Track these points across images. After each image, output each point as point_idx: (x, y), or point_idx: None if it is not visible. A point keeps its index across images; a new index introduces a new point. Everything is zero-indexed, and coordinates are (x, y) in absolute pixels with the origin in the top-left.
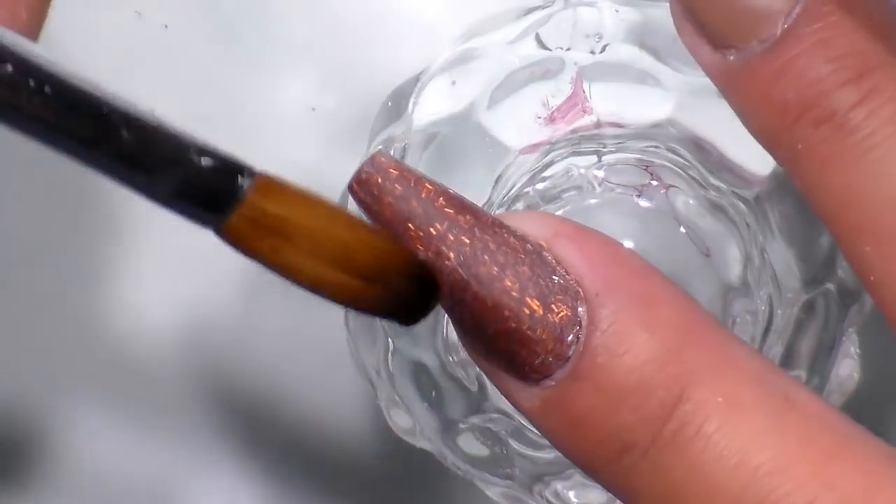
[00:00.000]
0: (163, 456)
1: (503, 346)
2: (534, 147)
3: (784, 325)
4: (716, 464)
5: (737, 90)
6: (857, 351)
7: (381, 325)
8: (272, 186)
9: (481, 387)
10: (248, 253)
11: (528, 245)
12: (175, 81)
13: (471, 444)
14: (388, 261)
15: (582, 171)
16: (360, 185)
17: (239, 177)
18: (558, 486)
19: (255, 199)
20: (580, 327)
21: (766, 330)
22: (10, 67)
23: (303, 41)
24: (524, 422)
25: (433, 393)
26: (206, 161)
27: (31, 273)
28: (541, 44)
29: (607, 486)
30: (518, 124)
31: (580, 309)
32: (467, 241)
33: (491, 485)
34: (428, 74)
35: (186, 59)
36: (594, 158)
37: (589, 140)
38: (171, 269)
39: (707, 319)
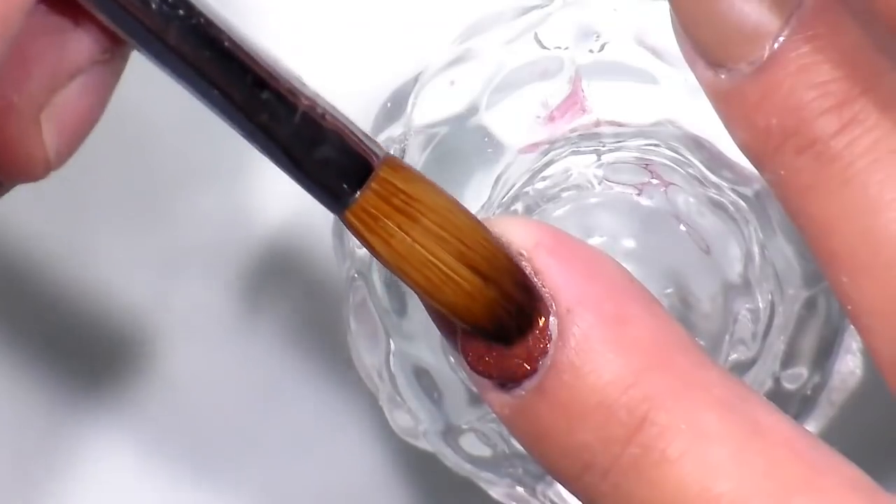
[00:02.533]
0: (161, 455)
1: None
2: (533, 146)
3: (786, 322)
4: (677, 492)
5: (726, 109)
6: (860, 347)
7: (382, 325)
8: (398, 166)
9: None
10: (373, 235)
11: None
12: (175, 81)
13: (473, 445)
14: (502, 258)
15: (581, 170)
16: None
17: (374, 155)
18: (560, 485)
19: (387, 175)
20: (550, 341)
21: (768, 327)
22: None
23: (302, 41)
24: None
25: (435, 393)
26: (348, 135)
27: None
28: (539, 43)
29: (576, 497)
30: (517, 124)
31: (552, 323)
32: None
33: (493, 485)
34: (427, 75)
35: None
36: (594, 157)
37: (588, 139)
38: (171, 269)
39: (680, 341)
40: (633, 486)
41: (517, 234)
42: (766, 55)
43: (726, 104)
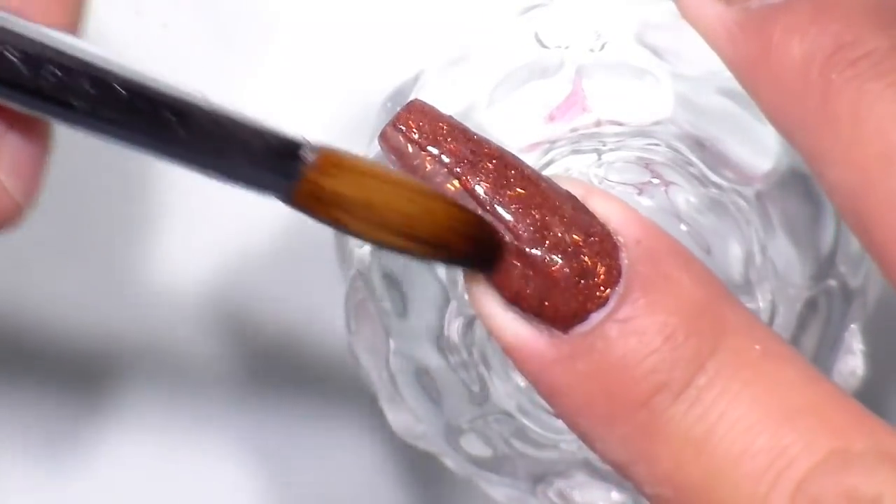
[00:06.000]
0: (161, 454)
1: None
2: (533, 146)
3: (787, 322)
4: (752, 406)
5: (757, 36)
6: (861, 347)
7: (382, 325)
8: (333, 161)
9: (483, 387)
10: (315, 219)
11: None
12: (174, 81)
13: (473, 445)
14: (449, 226)
15: (582, 169)
16: (396, 129)
17: (299, 154)
18: (561, 485)
19: (314, 177)
20: (619, 272)
21: (769, 326)
22: (86, 84)
23: (302, 41)
24: (527, 422)
25: (435, 393)
26: (267, 140)
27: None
28: (540, 42)
29: (623, 442)
30: (518, 123)
31: (622, 254)
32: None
33: (494, 485)
34: (427, 74)
35: (186, 59)
36: (594, 157)
37: (589, 138)
38: (169, 268)
39: (727, 288)
40: (708, 404)
41: (568, 183)
42: None
43: (759, 30)
